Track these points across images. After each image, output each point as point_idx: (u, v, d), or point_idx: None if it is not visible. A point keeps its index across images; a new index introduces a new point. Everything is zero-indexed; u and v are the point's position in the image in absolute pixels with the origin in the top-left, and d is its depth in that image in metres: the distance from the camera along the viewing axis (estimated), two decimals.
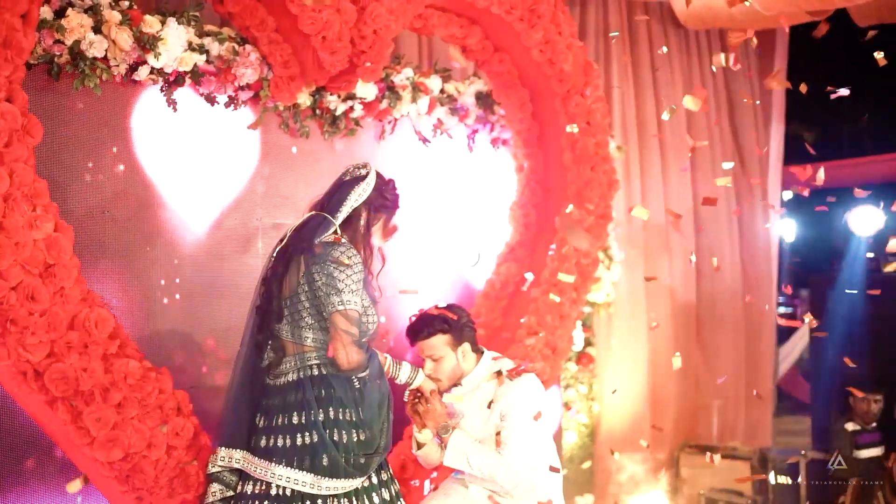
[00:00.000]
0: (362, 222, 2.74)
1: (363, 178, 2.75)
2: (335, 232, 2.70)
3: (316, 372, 2.65)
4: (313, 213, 2.74)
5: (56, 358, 2.61)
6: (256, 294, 2.75)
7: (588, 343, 5.43)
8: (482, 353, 3.05)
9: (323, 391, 2.63)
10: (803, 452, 5.33)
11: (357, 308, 2.59)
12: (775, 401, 8.27)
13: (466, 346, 2.98)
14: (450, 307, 3.02)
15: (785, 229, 10.09)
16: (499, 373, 2.92)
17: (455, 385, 3.02)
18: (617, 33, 5.93)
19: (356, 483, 2.64)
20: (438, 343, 2.93)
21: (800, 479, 5.25)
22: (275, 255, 2.75)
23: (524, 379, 2.92)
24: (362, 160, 2.90)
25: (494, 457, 2.85)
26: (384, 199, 2.78)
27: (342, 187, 2.75)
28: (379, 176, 2.80)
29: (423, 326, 2.96)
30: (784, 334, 10.05)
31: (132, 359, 2.77)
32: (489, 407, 2.91)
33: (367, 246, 2.75)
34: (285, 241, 2.74)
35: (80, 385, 2.64)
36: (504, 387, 2.89)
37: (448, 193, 4.40)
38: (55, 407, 2.65)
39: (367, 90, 3.78)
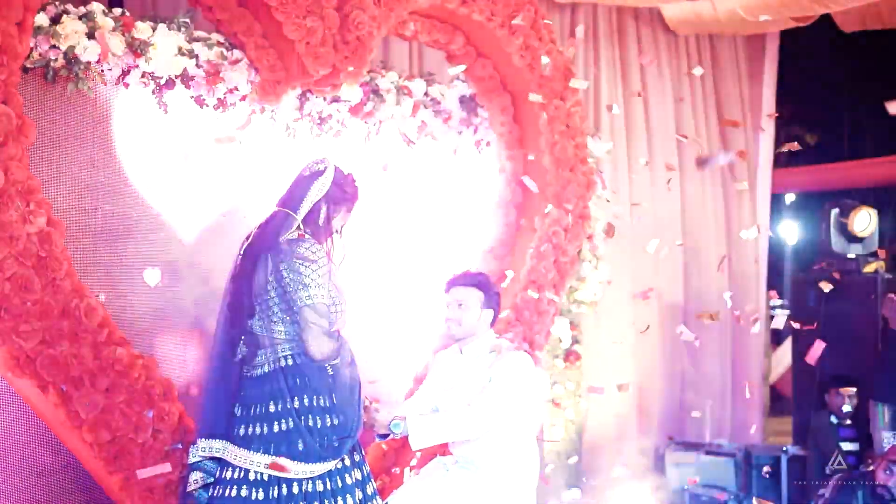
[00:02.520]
0: (322, 216, 2.82)
1: (321, 172, 2.82)
2: (298, 227, 2.78)
3: (290, 362, 2.74)
4: (276, 209, 2.82)
5: (48, 345, 2.78)
6: (227, 291, 2.82)
7: (575, 341, 5.55)
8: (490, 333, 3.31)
9: (297, 380, 2.73)
10: (785, 449, 5.44)
11: (325, 301, 2.70)
12: (769, 401, 8.33)
13: (490, 314, 3.24)
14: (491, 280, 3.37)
15: (787, 231, 10.16)
16: (498, 347, 3.18)
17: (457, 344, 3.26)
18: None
19: (330, 465, 2.75)
20: (471, 295, 3.20)
21: (782, 475, 5.36)
22: (242, 253, 2.82)
23: (519, 353, 3.21)
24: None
25: (456, 414, 3.05)
26: (343, 192, 2.85)
27: (302, 183, 2.82)
28: (337, 170, 2.86)
29: (464, 275, 3.27)
30: (779, 336, 10.12)
31: (120, 346, 2.93)
32: (484, 374, 3.14)
33: (329, 238, 2.85)
34: (251, 239, 2.82)
35: (71, 371, 2.80)
36: (500, 356, 3.15)
37: (432, 193, 4.52)
38: (46, 391, 2.81)
39: (351, 93, 3.92)
